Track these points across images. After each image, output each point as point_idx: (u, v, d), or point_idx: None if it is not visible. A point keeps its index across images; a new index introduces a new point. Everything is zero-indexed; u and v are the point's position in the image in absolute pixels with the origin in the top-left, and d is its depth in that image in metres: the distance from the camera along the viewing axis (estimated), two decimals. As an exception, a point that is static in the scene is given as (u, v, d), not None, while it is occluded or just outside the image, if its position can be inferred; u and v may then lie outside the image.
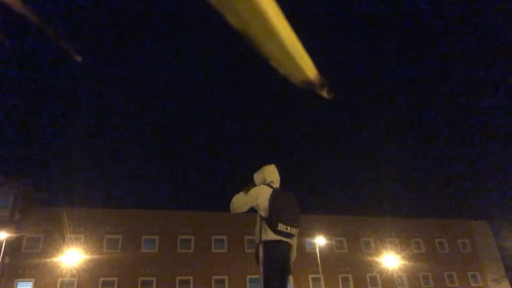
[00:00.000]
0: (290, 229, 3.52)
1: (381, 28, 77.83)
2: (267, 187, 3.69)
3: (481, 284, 35.47)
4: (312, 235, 29.33)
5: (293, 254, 3.68)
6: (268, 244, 3.48)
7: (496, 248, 38.11)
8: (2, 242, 22.67)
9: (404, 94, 76.11)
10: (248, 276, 28.83)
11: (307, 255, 29.63)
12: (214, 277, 28.75)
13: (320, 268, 28.66)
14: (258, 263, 3.54)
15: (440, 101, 74.90)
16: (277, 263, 3.47)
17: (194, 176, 69.43)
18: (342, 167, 73.29)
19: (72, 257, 25.53)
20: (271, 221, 3.47)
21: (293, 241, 3.65)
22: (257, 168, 3.91)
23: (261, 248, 3.51)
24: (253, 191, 3.63)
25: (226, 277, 28.90)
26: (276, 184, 3.77)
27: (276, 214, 3.49)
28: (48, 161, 64.45)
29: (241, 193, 3.66)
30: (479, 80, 73.66)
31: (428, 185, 69.25)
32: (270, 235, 3.47)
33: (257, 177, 3.83)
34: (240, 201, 3.63)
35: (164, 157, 71.10)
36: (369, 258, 33.00)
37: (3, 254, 22.88)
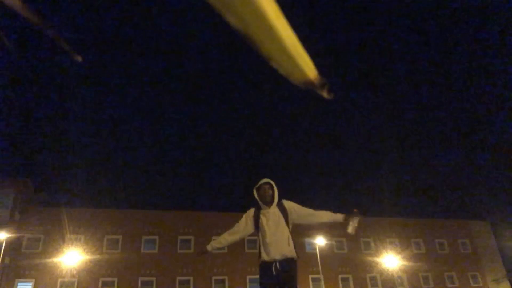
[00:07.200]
0: None
1: (382, 28, 77.88)
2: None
3: (481, 285, 35.47)
4: (312, 235, 29.31)
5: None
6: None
7: (496, 248, 38.12)
8: (2, 242, 22.65)
9: (404, 94, 76.18)
10: (248, 276, 28.81)
11: (307, 255, 29.62)
12: (214, 277, 28.75)
13: (320, 268, 28.67)
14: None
15: (441, 101, 74.94)
16: None
17: (193, 176, 69.44)
18: (342, 167, 73.30)
19: (72, 257, 25.49)
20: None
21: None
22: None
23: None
24: None
25: (226, 277, 28.90)
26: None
27: None
28: (48, 161, 64.41)
29: None
30: (480, 80, 73.72)
31: (428, 185, 69.22)
32: None
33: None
34: None
35: (164, 157, 71.14)
36: (369, 258, 33.00)
37: (3, 254, 22.87)
